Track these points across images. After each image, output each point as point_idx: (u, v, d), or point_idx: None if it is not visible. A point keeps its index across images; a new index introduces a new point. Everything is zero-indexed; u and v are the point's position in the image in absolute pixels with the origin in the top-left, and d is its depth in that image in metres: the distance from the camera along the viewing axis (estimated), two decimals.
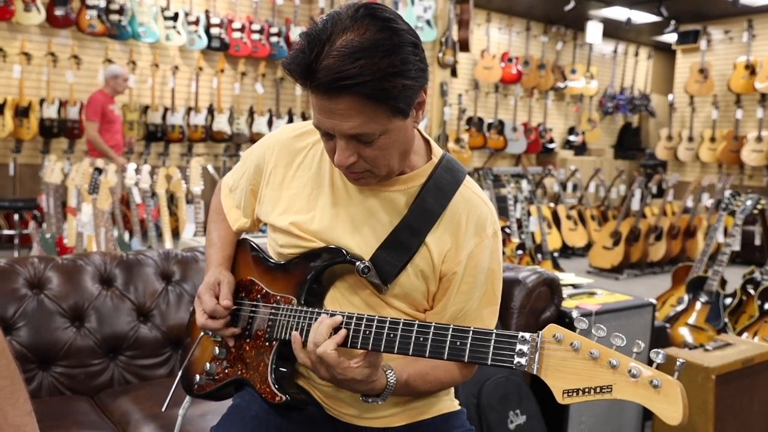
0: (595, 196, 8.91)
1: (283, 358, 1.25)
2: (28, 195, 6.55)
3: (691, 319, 3.88)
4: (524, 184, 6.83)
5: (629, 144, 11.49)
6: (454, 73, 7.57)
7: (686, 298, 4.01)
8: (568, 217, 7.71)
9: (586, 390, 0.91)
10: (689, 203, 7.07)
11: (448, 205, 1.21)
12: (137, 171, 5.06)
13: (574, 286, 2.86)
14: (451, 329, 1.05)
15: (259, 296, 1.30)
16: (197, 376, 1.37)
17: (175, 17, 7.22)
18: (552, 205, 7.86)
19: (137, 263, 2.23)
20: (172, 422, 1.60)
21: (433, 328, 1.06)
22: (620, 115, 11.23)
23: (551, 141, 10.03)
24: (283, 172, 1.29)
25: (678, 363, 0.89)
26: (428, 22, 6.62)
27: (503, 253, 5.49)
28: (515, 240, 5.71)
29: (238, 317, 1.33)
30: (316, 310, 1.19)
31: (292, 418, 1.27)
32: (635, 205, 6.89)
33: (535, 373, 0.95)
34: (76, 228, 4.42)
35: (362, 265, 1.17)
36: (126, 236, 4.98)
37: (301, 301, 1.23)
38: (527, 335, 0.98)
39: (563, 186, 8.29)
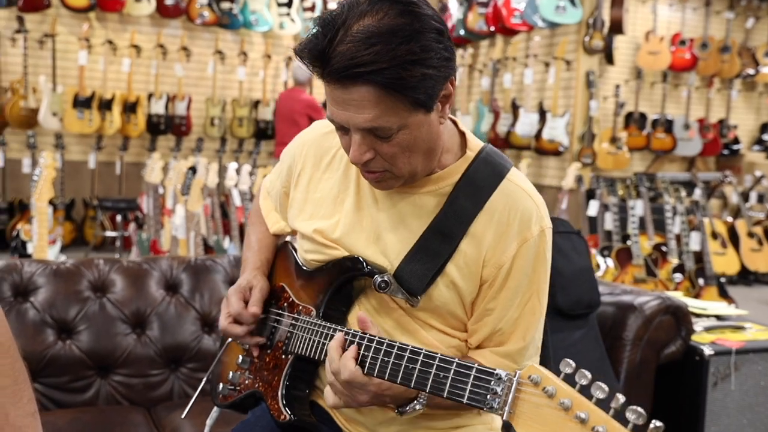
0: None
1: (299, 375, 1.32)
2: (134, 195, 7.13)
3: None
4: (697, 192, 6.49)
5: None
6: (610, 60, 7.33)
7: None
8: (750, 234, 7.20)
9: None
10: None
11: (486, 203, 1.22)
12: (237, 171, 5.38)
13: (719, 317, 2.70)
14: (438, 358, 1.08)
15: (285, 304, 1.39)
16: (221, 385, 1.48)
17: (289, 4, 7.58)
18: (730, 219, 7.39)
19: (205, 269, 2.39)
20: None
21: (422, 355, 1.09)
22: None
23: (736, 141, 9.41)
24: (310, 174, 1.37)
25: (653, 425, 0.87)
26: (572, 2, 6.48)
27: (654, 275, 5.29)
28: (673, 260, 5.44)
29: (264, 325, 1.42)
30: (330, 325, 1.25)
31: None
32: None
33: (505, 418, 0.98)
34: (170, 231, 4.78)
35: (379, 279, 1.20)
36: (226, 241, 5.31)
37: (320, 314, 1.29)
38: (503, 374, 1.00)
39: (744, 196, 7.77)
